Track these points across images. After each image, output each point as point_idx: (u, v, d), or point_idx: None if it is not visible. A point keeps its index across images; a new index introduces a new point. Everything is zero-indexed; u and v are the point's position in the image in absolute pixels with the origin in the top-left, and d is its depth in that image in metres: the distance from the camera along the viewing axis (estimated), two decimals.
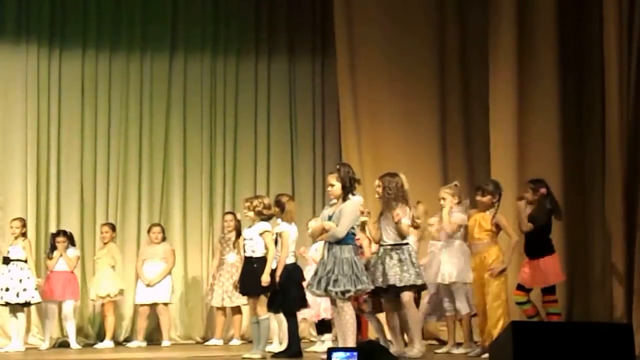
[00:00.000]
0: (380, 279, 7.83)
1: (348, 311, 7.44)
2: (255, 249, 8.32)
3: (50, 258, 10.46)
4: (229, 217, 10.81)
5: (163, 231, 10.94)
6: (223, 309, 10.64)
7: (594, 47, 9.72)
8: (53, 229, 11.03)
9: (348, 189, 7.56)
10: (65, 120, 11.47)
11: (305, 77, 12.16)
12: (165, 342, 10.65)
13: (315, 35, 12.21)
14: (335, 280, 7.37)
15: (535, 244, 8.24)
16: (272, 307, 8.35)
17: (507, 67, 10.07)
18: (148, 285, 10.61)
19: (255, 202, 8.43)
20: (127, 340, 10.94)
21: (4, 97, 11.30)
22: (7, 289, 9.94)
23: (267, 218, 8.42)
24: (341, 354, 5.94)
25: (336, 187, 7.58)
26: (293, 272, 8.29)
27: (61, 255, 10.41)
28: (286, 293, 8.20)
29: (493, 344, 6.69)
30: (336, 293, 7.37)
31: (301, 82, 12.15)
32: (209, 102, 11.90)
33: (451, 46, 11.12)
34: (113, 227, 10.87)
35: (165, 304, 10.72)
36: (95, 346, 10.53)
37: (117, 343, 10.76)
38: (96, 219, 11.38)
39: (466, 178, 10.71)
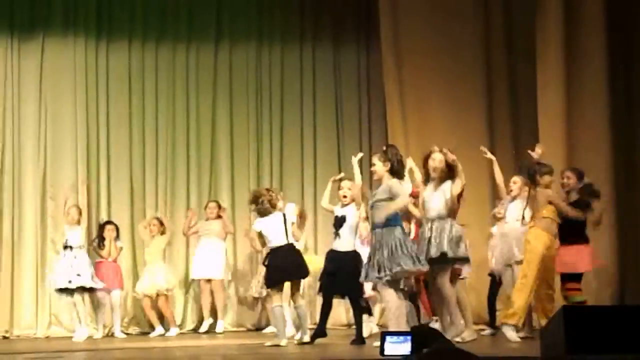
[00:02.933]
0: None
1: (387, 297, 7.41)
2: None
3: (101, 247, 10.55)
4: None
5: (219, 207, 10.99)
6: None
7: None
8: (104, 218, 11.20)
9: (394, 170, 7.52)
10: (113, 112, 11.60)
11: (351, 64, 12.16)
12: (219, 326, 10.73)
13: (360, 22, 12.20)
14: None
15: (572, 231, 8.13)
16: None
17: (555, 54, 10.00)
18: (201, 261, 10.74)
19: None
20: (180, 327, 11.01)
21: (53, 89, 11.46)
22: (77, 274, 10.03)
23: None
24: (394, 338, 5.94)
25: (378, 167, 7.59)
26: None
27: (110, 244, 10.51)
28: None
29: (544, 330, 6.64)
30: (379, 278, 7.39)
31: (346, 70, 12.15)
32: (254, 90, 11.96)
33: (497, 33, 11.07)
34: (161, 222, 10.94)
35: (220, 281, 10.78)
36: (151, 335, 10.63)
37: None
38: (145, 210, 11.51)
39: (513, 167, 10.63)
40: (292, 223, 8.75)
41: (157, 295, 10.68)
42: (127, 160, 11.56)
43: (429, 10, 11.00)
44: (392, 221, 7.43)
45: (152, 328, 10.78)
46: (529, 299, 7.89)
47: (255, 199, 8.37)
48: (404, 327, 7.17)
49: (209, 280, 10.82)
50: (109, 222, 10.77)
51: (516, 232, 8.55)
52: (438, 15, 10.98)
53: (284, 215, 8.39)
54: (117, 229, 10.72)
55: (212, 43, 11.90)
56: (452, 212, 7.83)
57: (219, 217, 10.99)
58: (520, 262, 8.34)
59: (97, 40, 11.59)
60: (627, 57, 9.97)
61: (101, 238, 10.62)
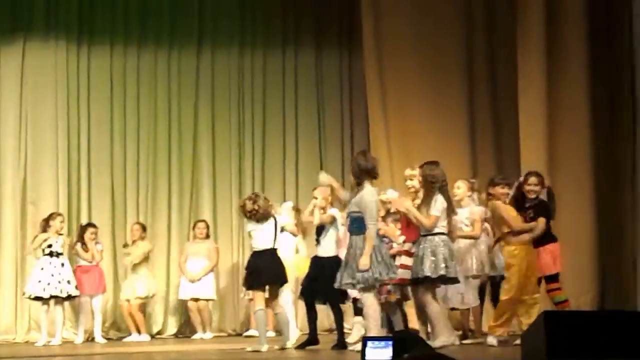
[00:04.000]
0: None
1: (367, 302, 7.41)
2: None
3: (85, 250, 10.47)
4: None
5: (208, 227, 10.96)
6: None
7: (624, 37, 9.66)
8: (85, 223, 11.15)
9: (361, 178, 7.48)
10: (94, 115, 11.55)
11: (333, 69, 12.16)
12: (208, 335, 10.69)
13: (342, 26, 12.20)
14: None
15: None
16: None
17: (536, 58, 10.04)
18: (191, 281, 10.67)
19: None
20: (160, 333, 10.98)
21: (34, 92, 11.41)
22: (48, 283, 10.00)
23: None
24: (376, 343, 5.93)
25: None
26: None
27: (93, 247, 10.43)
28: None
29: (525, 334, 6.65)
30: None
31: (328, 74, 12.15)
32: (236, 95, 11.94)
33: (478, 36, 11.09)
34: (143, 227, 10.90)
35: (207, 300, 10.76)
36: (126, 339, 10.57)
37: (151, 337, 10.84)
38: (127, 214, 11.46)
39: (495, 169, 10.66)
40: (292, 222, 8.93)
41: (130, 301, 10.63)
42: (108, 164, 11.51)
43: (411, 14, 11.00)
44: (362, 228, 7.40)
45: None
46: (512, 309, 7.91)
47: (251, 210, 8.30)
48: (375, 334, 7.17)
49: (197, 299, 10.78)
50: (90, 225, 10.69)
51: (467, 245, 8.57)
52: (420, 19, 10.98)
53: (276, 221, 8.37)
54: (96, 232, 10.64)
55: (194, 47, 11.86)
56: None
57: (207, 237, 10.94)
58: (475, 277, 8.50)
59: (79, 44, 11.54)
60: (608, 58, 10.01)
61: (82, 241, 10.53)
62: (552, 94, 9.90)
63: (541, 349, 6.00)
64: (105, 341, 10.42)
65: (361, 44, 11.33)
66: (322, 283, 8.11)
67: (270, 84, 12.03)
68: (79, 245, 10.51)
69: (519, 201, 8.05)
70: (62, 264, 10.16)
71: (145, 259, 10.76)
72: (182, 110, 11.77)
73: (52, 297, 10.06)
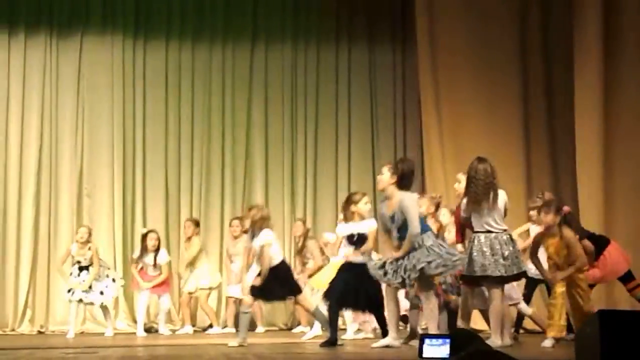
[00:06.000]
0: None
1: (429, 300, 7.45)
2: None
3: (142, 260, 10.53)
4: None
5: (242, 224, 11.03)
6: None
7: None
8: (139, 218, 11.37)
9: (403, 184, 7.48)
10: (149, 110, 11.71)
11: (386, 66, 12.17)
12: (260, 328, 10.77)
13: (396, 23, 12.21)
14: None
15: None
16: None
17: (593, 57, 9.93)
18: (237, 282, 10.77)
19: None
20: (211, 327, 11.08)
21: (91, 87, 11.59)
22: (74, 293, 10.09)
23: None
24: (434, 341, 5.93)
25: (384, 177, 7.52)
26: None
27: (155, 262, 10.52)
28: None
29: (579, 334, 6.59)
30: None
31: (381, 72, 12.16)
32: (289, 90, 12.00)
33: (533, 34, 11.01)
34: (196, 223, 10.98)
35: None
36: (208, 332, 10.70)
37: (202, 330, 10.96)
38: (181, 207, 11.60)
39: (549, 171, 10.60)
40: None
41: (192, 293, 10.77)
42: (162, 158, 11.65)
43: (465, 11, 10.96)
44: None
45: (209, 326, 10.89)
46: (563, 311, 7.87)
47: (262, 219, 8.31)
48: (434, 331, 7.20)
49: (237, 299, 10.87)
50: (150, 231, 10.67)
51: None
52: (474, 17, 10.92)
53: None
54: (159, 240, 10.61)
55: (249, 43, 11.96)
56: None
57: (245, 232, 10.99)
58: None
59: (135, 39, 11.70)
60: None
61: (144, 249, 10.52)
62: (609, 95, 9.80)
63: (595, 349, 5.95)
64: (169, 333, 10.54)
65: (414, 41, 11.32)
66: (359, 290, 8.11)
67: (323, 81, 12.08)
68: (137, 254, 10.57)
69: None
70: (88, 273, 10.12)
71: (202, 252, 10.84)
72: (236, 106, 11.87)
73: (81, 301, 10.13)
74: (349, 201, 8.40)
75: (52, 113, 11.48)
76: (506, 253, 7.47)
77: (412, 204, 7.46)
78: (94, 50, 11.60)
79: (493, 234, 7.50)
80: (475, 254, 7.51)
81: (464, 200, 7.68)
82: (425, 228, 7.56)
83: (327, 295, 8.34)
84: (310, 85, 12.04)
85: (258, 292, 8.28)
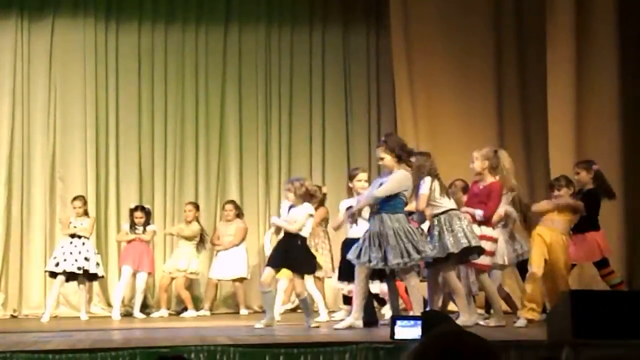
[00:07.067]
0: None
1: (411, 282, 7.47)
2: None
3: (134, 232, 10.57)
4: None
5: (237, 208, 11.00)
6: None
7: None
8: (113, 200, 11.31)
9: (402, 158, 7.48)
10: (122, 93, 11.63)
11: (360, 48, 12.13)
12: (243, 311, 10.78)
13: (370, 6, 12.15)
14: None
15: (584, 220, 8.19)
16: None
17: (566, 38, 9.97)
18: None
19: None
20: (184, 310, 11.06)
21: (62, 69, 11.49)
22: (64, 260, 10.06)
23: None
24: (405, 322, 5.97)
25: (387, 159, 7.50)
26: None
27: (144, 232, 10.58)
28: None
29: (551, 314, 6.66)
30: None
31: (355, 53, 12.13)
32: (263, 73, 11.95)
33: (507, 18, 11.02)
34: (197, 206, 10.98)
35: (242, 279, 10.84)
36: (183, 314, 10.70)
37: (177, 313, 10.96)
38: (154, 190, 11.58)
39: (523, 152, 10.64)
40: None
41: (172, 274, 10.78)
42: (135, 141, 11.59)
43: None
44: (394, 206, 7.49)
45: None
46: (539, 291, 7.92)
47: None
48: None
49: (233, 280, 10.88)
50: (138, 207, 10.72)
51: None
52: (448, 2, 10.93)
53: None
54: (148, 214, 10.70)
55: (222, 25, 11.89)
56: None
57: (238, 216, 10.98)
58: None
59: (107, 21, 11.61)
60: (638, 44, 9.93)
61: (133, 224, 10.62)
62: (582, 76, 9.84)
63: (567, 328, 6.03)
64: (143, 316, 10.52)
65: (389, 24, 11.29)
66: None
67: (297, 63, 12.03)
68: (127, 227, 10.61)
69: None
70: (83, 244, 10.16)
71: (191, 238, 10.85)
72: (210, 89, 11.82)
73: (65, 272, 10.08)
74: (349, 176, 8.48)
75: (23, 96, 11.37)
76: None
77: (399, 178, 7.43)
78: (65, 32, 11.49)
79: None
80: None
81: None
82: (399, 208, 7.52)
83: (342, 277, 8.32)
84: (284, 67, 12.00)
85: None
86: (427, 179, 7.78)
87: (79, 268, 10.05)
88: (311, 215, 8.19)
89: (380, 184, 7.52)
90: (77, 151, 11.42)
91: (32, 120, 11.39)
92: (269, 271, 8.17)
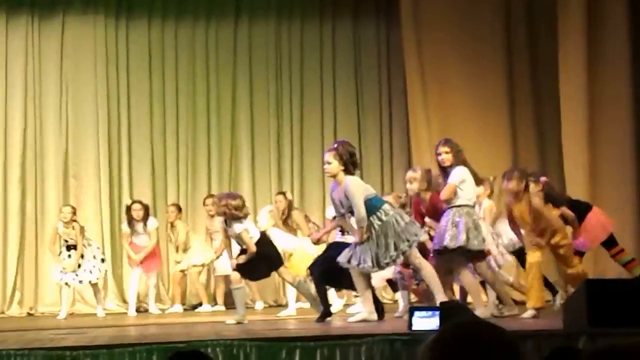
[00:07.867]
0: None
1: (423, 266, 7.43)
2: None
3: (132, 230, 10.45)
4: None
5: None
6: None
7: None
8: (126, 197, 11.31)
9: (347, 167, 7.37)
10: (133, 89, 11.66)
11: (370, 40, 12.12)
12: (259, 305, 10.76)
13: None
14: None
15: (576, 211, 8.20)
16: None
17: (577, 28, 9.94)
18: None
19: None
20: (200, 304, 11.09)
21: (74, 67, 11.52)
22: (65, 274, 10.00)
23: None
24: (423, 313, 5.96)
25: (333, 166, 7.40)
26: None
27: (144, 227, 10.46)
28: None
29: (567, 303, 6.65)
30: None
31: (366, 45, 12.11)
32: (274, 67, 11.95)
33: (517, 8, 11.00)
34: (179, 208, 10.93)
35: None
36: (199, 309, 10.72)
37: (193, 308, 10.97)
38: (167, 185, 11.60)
39: (535, 142, 10.62)
40: None
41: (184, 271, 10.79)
42: (147, 136, 11.62)
43: None
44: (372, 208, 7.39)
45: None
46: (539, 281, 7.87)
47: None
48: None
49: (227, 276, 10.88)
50: (135, 202, 10.64)
51: None
52: None
53: None
54: (146, 209, 10.59)
55: (232, 20, 11.90)
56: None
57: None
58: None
59: (117, 18, 11.63)
60: None
61: (130, 220, 10.47)
62: (594, 63, 9.81)
63: (583, 317, 6.02)
64: (159, 312, 10.52)
65: (399, 15, 11.28)
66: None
67: (308, 56, 12.03)
68: (125, 224, 10.51)
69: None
70: (82, 256, 10.04)
71: (189, 233, 10.84)
72: (221, 84, 11.83)
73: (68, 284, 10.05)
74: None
75: (35, 95, 11.41)
76: None
77: (356, 188, 7.36)
78: (76, 30, 11.52)
79: None
80: None
81: None
82: (377, 203, 7.46)
83: (312, 269, 8.30)
84: (294, 61, 12.00)
85: (243, 271, 8.25)
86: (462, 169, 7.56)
87: (80, 282, 10.08)
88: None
89: (341, 202, 7.43)
90: (89, 149, 11.45)
91: (44, 119, 11.43)
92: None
